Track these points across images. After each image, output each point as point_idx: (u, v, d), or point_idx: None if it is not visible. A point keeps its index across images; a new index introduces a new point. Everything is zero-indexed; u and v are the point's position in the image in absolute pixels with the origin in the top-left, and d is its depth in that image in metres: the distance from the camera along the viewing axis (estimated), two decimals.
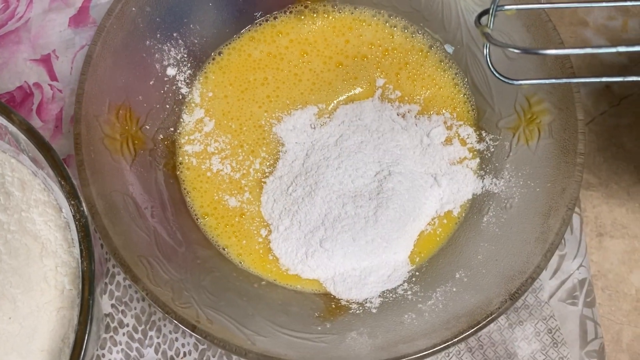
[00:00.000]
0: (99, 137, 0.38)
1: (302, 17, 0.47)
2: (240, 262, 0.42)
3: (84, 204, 0.35)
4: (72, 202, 0.35)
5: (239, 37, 0.46)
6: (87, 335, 0.33)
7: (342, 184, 0.41)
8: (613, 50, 0.27)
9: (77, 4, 0.51)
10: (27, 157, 0.41)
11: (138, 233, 0.37)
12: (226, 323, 0.36)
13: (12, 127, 0.38)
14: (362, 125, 0.44)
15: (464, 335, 0.34)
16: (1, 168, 0.41)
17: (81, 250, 0.35)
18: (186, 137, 0.44)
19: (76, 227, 0.35)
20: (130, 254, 0.35)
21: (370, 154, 0.42)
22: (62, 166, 0.36)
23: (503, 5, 0.33)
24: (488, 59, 0.33)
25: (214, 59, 0.46)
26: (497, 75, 0.33)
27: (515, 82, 0.32)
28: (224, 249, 0.42)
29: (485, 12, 0.33)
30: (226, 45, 0.46)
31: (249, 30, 0.46)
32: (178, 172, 0.43)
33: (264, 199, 0.43)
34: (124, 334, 0.43)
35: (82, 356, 0.33)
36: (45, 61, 0.50)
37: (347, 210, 0.41)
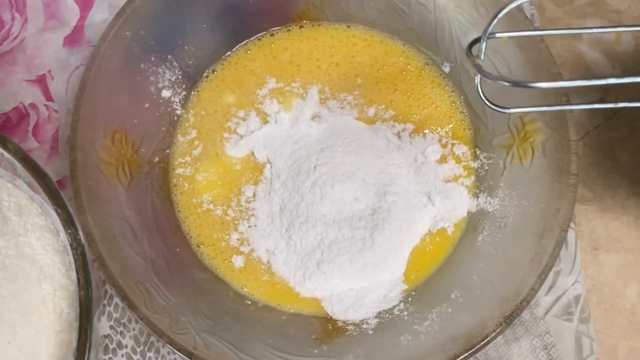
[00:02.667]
0: (95, 162, 0.38)
1: (299, 33, 0.47)
2: (243, 287, 0.42)
3: (80, 232, 0.35)
4: (69, 231, 0.35)
5: (234, 52, 0.46)
6: None
7: (338, 209, 0.41)
8: (603, 82, 0.27)
9: (71, 23, 0.51)
10: (24, 182, 0.41)
11: (135, 259, 0.37)
12: (223, 349, 0.36)
13: (7, 155, 0.38)
14: (357, 145, 0.44)
15: (460, 358, 0.35)
16: None
17: (78, 279, 0.35)
18: (179, 160, 0.44)
19: (73, 255, 0.35)
20: (127, 280, 0.35)
21: (365, 176, 0.42)
22: (57, 194, 0.36)
23: (494, 34, 0.33)
24: (479, 89, 0.33)
25: (207, 77, 0.46)
26: (489, 104, 0.33)
27: (507, 111, 0.33)
28: (221, 276, 0.42)
29: (475, 41, 0.33)
30: (220, 62, 0.46)
31: (245, 45, 0.47)
32: (172, 196, 0.43)
33: (258, 231, 0.43)
34: (122, 356, 0.44)
35: None
36: (41, 82, 0.50)
37: (343, 233, 0.41)
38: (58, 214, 0.35)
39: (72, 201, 0.37)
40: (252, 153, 0.45)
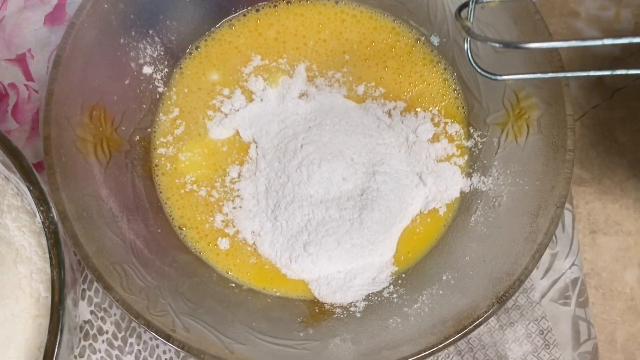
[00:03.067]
0: (70, 139, 0.37)
1: (285, 9, 0.45)
2: (228, 272, 0.40)
3: (53, 210, 0.34)
4: (42, 209, 0.34)
5: (218, 28, 0.45)
6: (57, 345, 0.32)
7: (326, 189, 0.40)
8: (599, 43, 0.25)
9: (52, 1, 0.50)
10: None
11: (112, 239, 0.36)
12: (204, 331, 0.34)
13: None
14: (346, 123, 0.42)
15: (450, 340, 0.33)
16: None
17: (51, 258, 0.33)
18: (160, 139, 0.43)
19: (45, 234, 0.34)
20: (104, 261, 0.34)
21: (354, 155, 0.41)
22: (30, 172, 0.35)
23: None
24: (469, 54, 0.32)
25: (190, 54, 0.44)
26: (478, 70, 0.31)
27: (499, 78, 0.31)
28: (205, 259, 0.41)
29: (465, 4, 0.32)
30: (204, 38, 0.45)
31: (230, 21, 0.45)
32: (154, 176, 0.42)
33: (244, 212, 0.41)
34: (103, 341, 0.42)
35: None
36: (21, 61, 0.48)
37: (330, 214, 0.39)
38: (30, 191, 0.34)
39: (47, 184, 0.36)
40: (237, 132, 0.43)
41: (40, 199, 0.34)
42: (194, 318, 0.35)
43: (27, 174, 0.34)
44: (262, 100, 0.43)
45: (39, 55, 0.48)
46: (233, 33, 0.45)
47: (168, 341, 0.32)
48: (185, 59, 0.44)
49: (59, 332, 0.32)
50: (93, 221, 0.36)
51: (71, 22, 0.38)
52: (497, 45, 0.28)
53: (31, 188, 0.34)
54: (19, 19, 0.49)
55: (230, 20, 0.45)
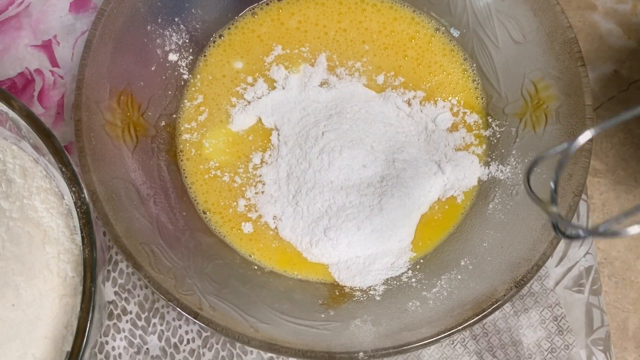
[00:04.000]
0: (100, 123, 0.38)
1: None
2: (250, 255, 0.41)
3: (85, 191, 0.35)
4: (74, 189, 0.35)
5: (242, 17, 0.46)
6: (89, 322, 0.33)
7: (346, 176, 0.41)
8: None
9: None
10: (29, 144, 0.40)
11: (140, 220, 0.37)
12: (229, 310, 0.35)
13: (12, 114, 0.38)
14: (366, 112, 0.43)
15: (469, 323, 0.34)
16: (2, 155, 0.41)
17: (82, 238, 0.34)
18: (185, 125, 0.43)
19: (77, 214, 0.35)
20: (133, 241, 0.35)
21: (374, 143, 0.42)
22: (62, 152, 0.36)
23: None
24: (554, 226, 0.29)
25: (214, 42, 0.45)
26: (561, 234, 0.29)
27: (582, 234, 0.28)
28: (228, 242, 0.42)
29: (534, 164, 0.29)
30: (227, 27, 0.46)
31: (252, 10, 0.46)
32: (179, 161, 0.43)
33: (266, 197, 0.42)
34: (127, 321, 0.43)
35: (84, 344, 0.33)
36: (47, 47, 0.49)
37: (351, 199, 0.40)
38: (62, 173, 0.35)
39: (77, 166, 0.37)
40: (260, 120, 0.44)
41: (73, 180, 0.35)
42: (219, 298, 0.36)
43: (59, 155, 0.35)
44: (284, 88, 0.44)
45: (64, 42, 0.49)
46: (256, 22, 0.46)
47: (196, 319, 0.33)
48: (210, 46, 0.45)
49: (91, 310, 0.33)
50: (122, 203, 0.37)
51: (101, 9, 0.38)
52: (584, 234, 0.27)
53: (63, 169, 0.35)
54: (45, 5, 0.50)
55: (253, 9, 0.46)
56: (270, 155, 0.43)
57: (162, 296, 0.33)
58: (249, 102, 0.44)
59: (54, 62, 0.49)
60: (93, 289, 0.34)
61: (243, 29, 0.46)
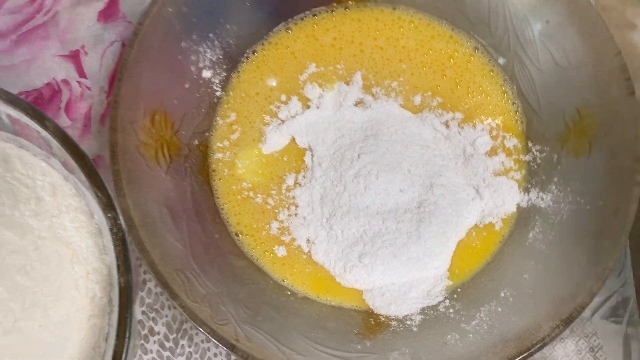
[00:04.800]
0: (134, 144, 0.37)
1: (342, 14, 0.45)
2: (283, 280, 0.40)
3: (120, 217, 0.34)
4: (109, 215, 0.34)
5: (275, 32, 0.45)
6: (125, 349, 0.32)
7: (383, 200, 0.40)
8: None
9: None
10: (59, 161, 0.40)
11: (174, 245, 0.36)
12: (264, 341, 0.35)
13: (44, 133, 0.37)
14: (402, 133, 0.42)
15: None
16: (32, 172, 0.40)
17: (118, 265, 0.33)
18: (217, 144, 0.43)
19: (113, 240, 0.34)
20: (167, 268, 0.34)
21: (411, 167, 0.41)
22: (97, 175, 0.35)
23: None
24: None
25: (247, 58, 0.44)
26: None
27: None
28: (261, 266, 0.41)
29: None
30: (261, 43, 0.45)
31: (287, 25, 0.45)
32: (211, 181, 0.42)
33: (299, 219, 0.41)
34: (154, 342, 0.43)
35: None
36: (74, 57, 0.48)
37: (387, 225, 0.39)
38: (98, 197, 0.34)
39: (109, 183, 0.36)
40: (293, 139, 0.43)
41: (108, 205, 0.34)
42: (253, 327, 0.35)
43: (92, 177, 0.34)
44: (318, 107, 0.43)
45: (92, 52, 0.48)
46: (290, 37, 0.45)
47: (232, 351, 0.33)
48: (243, 63, 0.44)
49: (127, 338, 0.33)
50: (156, 227, 0.36)
51: (137, 27, 0.38)
52: None
53: (98, 194, 0.34)
54: (72, 14, 0.49)
55: (287, 24, 0.45)
56: (304, 176, 0.42)
57: (199, 328, 0.33)
58: (283, 121, 0.43)
59: (81, 73, 0.48)
60: (129, 318, 0.33)
61: (277, 44, 0.44)
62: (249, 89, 0.44)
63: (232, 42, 0.43)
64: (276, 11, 0.44)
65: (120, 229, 0.34)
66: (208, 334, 0.33)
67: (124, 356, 0.33)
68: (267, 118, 0.43)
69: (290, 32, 0.45)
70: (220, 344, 0.33)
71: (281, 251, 0.41)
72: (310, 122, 0.43)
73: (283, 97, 0.44)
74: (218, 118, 0.43)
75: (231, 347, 0.33)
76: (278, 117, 0.43)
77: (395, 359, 0.35)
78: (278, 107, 0.43)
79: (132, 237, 0.34)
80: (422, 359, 0.35)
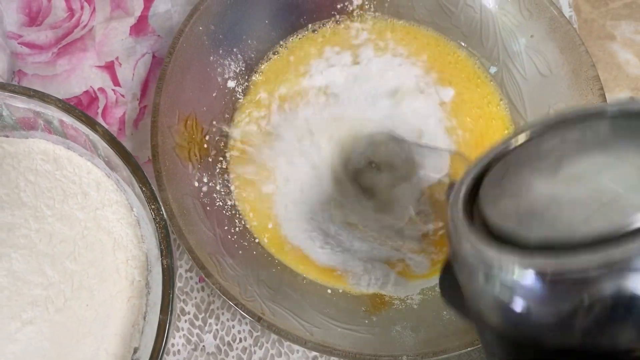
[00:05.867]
0: (171, 146, 0.42)
1: (345, 27, 0.50)
2: (296, 269, 0.45)
3: (162, 207, 0.39)
4: (152, 206, 0.39)
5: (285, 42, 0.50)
6: (168, 324, 0.38)
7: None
8: None
9: (136, 13, 0.55)
10: (102, 161, 0.45)
11: (206, 233, 0.41)
12: (285, 315, 0.40)
13: (93, 136, 0.42)
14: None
15: None
16: (79, 170, 0.46)
17: (161, 250, 0.39)
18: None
19: (156, 228, 0.39)
20: (202, 252, 0.39)
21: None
22: (141, 172, 0.40)
23: None
24: None
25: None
26: None
27: None
28: (276, 257, 0.46)
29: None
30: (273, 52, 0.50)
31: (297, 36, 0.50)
32: (230, 186, 0.47)
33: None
34: (185, 321, 0.48)
35: (164, 345, 0.37)
36: (109, 68, 0.54)
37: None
38: (142, 191, 0.39)
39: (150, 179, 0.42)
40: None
41: (151, 198, 0.39)
42: (275, 303, 0.41)
43: (139, 175, 0.40)
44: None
45: (125, 63, 0.54)
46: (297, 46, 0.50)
47: (259, 322, 0.38)
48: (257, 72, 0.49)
49: (170, 314, 0.38)
50: (191, 217, 0.41)
51: (173, 42, 0.43)
52: None
53: (143, 188, 0.39)
54: (107, 29, 0.55)
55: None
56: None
57: (230, 302, 0.38)
58: None
59: (115, 82, 0.54)
60: (172, 294, 0.38)
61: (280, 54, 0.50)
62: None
63: (252, 55, 0.48)
64: (292, 27, 0.49)
65: (163, 218, 0.39)
66: (238, 307, 0.38)
67: (167, 330, 0.38)
68: None
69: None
70: (249, 316, 0.38)
71: (288, 247, 0.46)
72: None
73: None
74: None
75: (258, 319, 0.38)
76: None
77: (398, 331, 0.41)
78: None
79: (172, 225, 0.39)
80: (422, 332, 0.40)
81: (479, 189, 0.23)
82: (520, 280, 0.17)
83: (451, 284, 0.23)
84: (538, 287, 0.17)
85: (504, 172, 0.22)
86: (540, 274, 0.17)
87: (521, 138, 0.23)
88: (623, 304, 0.15)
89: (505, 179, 0.22)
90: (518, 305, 0.18)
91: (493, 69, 0.49)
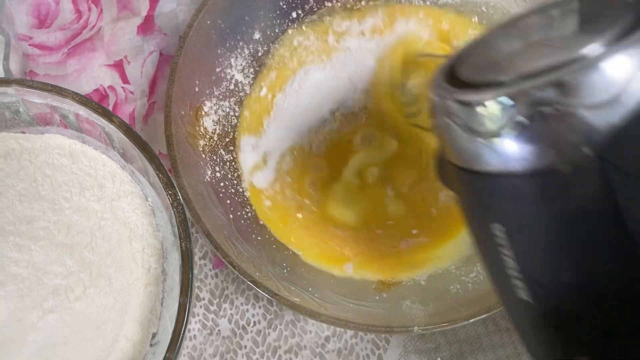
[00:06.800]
0: (184, 135, 0.44)
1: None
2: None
3: (179, 193, 0.41)
4: (169, 192, 0.41)
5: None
6: (188, 305, 0.39)
7: None
8: None
9: (142, 13, 0.57)
10: (117, 153, 0.47)
11: (221, 218, 0.43)
12: (300, 293, 0.42)
13: (108, 128, 0.44)
14: None
15: None
16: (94, 163, 0.47)
17: (179, 233, 0.40)
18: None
19: (174, 212, 0.41)
20: (218, 235, 0.41)
21: None
22: (157, 159, 0.42)
23: None
24: None
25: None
26: None
27: None
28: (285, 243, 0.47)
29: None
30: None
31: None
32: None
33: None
34: (201, 307, 0.50)
35: (184, 325, 0.39)
36: (118, 66, 0.55)
37: None
38: (159, 178, 0.41)
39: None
40: None
41: (168, 184, 0.41)
42: (290, 283, 0.42)
43: (155, 162, 0.41)
44: None
45: (133, 62, 0.55)
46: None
47: (275, 298, 0.40)
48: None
49: (190, 295, 0.39)
50: (206, 203, 0.43)
51: (182, 36, 0.45)
52: None
53: (160, 175, 0.41)
54: (115, 29, 0.56)
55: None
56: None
57: (248, 280, 0.40)
58: None
59: (125, 80, 0.55)
60: (191, 275, 0.40)
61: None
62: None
63: (259, 48, 0.50)
64: (297, 21, 0.51)
65: (180, 203, 0.41)
66: (255, 285, 0.40)
67: (187, 310, 0.40)
68: None
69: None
70: (265, 293, 0.40)
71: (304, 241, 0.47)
72: None
73: None
74: (245, 111, 0.50)
75: (274, 295, 0.40)
76: None
77: (408, 305, 0.42)
78: None
79: (189, 210, 0.41)
80: (430, 305, 0.42)
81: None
82: (493, 109, 0.23)
83: (443, 165, 0.28)
84: (507, 109, 0.22)
85: (478, 45, 0.29)
86: (512, 98, 0.22)
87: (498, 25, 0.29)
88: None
89: (478, 48, 0.28)
90: (493, 135, 0.23)
91: None
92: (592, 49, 0.22)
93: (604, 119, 0.21)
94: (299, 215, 0.46)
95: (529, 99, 0.22)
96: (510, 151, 0.23)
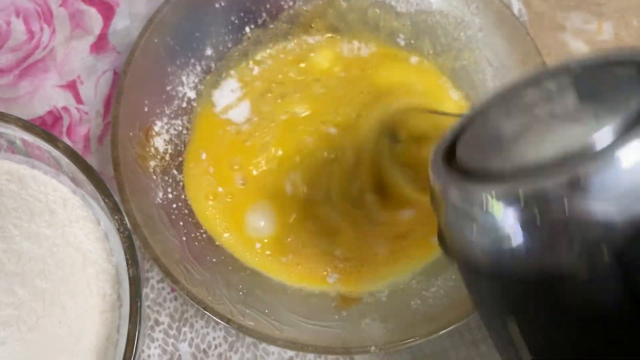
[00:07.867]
0: (133, 157, 0.43)
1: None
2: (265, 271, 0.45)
3: (126, 218, 0.40)
4: (116, 217, 0.40)
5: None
6: (137, 333, 0.38)
7: None
8: None
9: (95, 31, 0.56)
10: (67, 178, 0.45)
11: (172, 241, 0.42)
12: (255, 316, 0.40)
13: (55, 152, 0.43)
14: None
15: (470, 317, 0.39)
16: (44, 188, 0.46)
17: (127, 259, 0.39)
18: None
19: (120, 238, 0.39)
20: (169, 260, 0.40)
21: None
22: (104, 185, 0.41)
23: None
24: None
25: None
26: None
27: None
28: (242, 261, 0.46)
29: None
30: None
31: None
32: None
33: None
34: (160, 331, 0.48)
35: (134, 353, 0.38)
36: (72, 86, 0.54)
37: None
38: (105, 203, 0.40)
39: (114, 192, 0.42)
40: None
41: (114, 209, 0.40)
42: (246, 305, 0.41)
43: (101, 188, 0.40)
44: None
45: (87, 81, 0.54)
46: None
47: (228, 324, 0.39)
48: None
49: (139, 323, 0.38)
50: (156, 226, 0.42)
51: (129, 56, 0.44)
52: None
53: (106, 200, 0.40)
54: (67, 48, 0.55)
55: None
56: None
57: (199, 306, 0.38)
58: None
59: (79, 100, 0.54)
60: (139, 303, 0.39)
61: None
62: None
63: (212, 65, 0.49)
64: (248, 39, 0.50)
65: (126, 229, 0.40)
66: (207, 310, 0.39)
67: (136, 338, 0.39)
68: None
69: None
70: (217, 318, 0.39)
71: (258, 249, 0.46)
72: None
73: None
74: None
75: (227, 321, 0.39)
76: None
77: (367, 323, 0.41)
78: None
79: (137, 235, 0.40)
80: (390, 322, 0.41)
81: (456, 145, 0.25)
82: (499, 208, 0.20)
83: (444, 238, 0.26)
84: (515, 210, 0.20)
85: (475, 121, 0.26)
86: (515, 196, 0.20)
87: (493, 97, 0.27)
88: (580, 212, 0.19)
89: (476, 125, 0.26)
90: (500, 236, 0.20)
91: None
92: (605, 134, 0.20)
93: (621, 212, 0.19)
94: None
95: (537, 197, 0.19)
96: (517, 255, 0.20)
